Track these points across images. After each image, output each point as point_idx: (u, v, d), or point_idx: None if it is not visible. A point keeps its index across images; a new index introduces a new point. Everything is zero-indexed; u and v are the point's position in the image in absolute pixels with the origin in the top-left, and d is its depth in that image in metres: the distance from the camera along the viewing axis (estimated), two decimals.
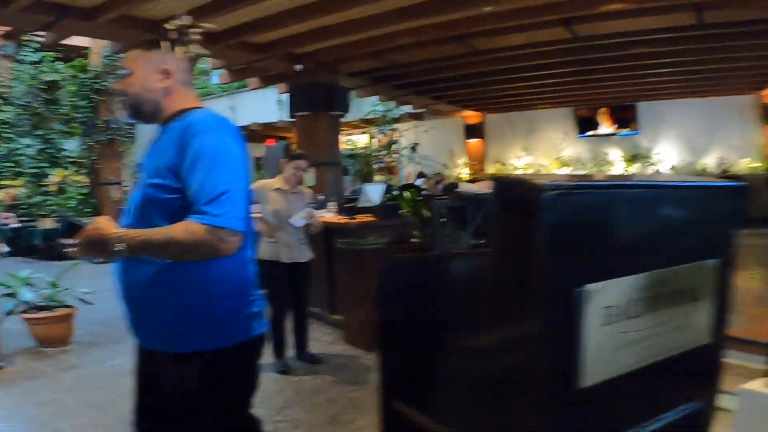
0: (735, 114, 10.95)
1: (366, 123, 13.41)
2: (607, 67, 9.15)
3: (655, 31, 7.23)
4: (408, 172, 13.60)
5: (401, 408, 1.46)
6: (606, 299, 1.08)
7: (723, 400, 2.87)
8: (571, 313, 1.04)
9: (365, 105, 12.54)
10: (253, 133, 14.50)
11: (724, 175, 10.36)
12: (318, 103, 7.86)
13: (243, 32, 6.59)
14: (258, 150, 16.60)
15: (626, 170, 11.82)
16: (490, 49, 8.04)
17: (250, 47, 7.09)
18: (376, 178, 13.66)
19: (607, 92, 11.33)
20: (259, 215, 3.91)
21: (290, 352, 4.28)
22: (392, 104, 12.13)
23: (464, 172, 13.57)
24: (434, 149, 13.68)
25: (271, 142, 14.65)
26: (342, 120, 12.89)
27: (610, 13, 6.49)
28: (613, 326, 1.10)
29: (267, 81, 8.64)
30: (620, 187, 1.17)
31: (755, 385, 2.21)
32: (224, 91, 13.80)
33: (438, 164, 13.62)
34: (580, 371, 1.07)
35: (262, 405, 3.47)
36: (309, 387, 3.78)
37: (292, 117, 8.19)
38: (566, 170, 12.47)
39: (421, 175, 12.48)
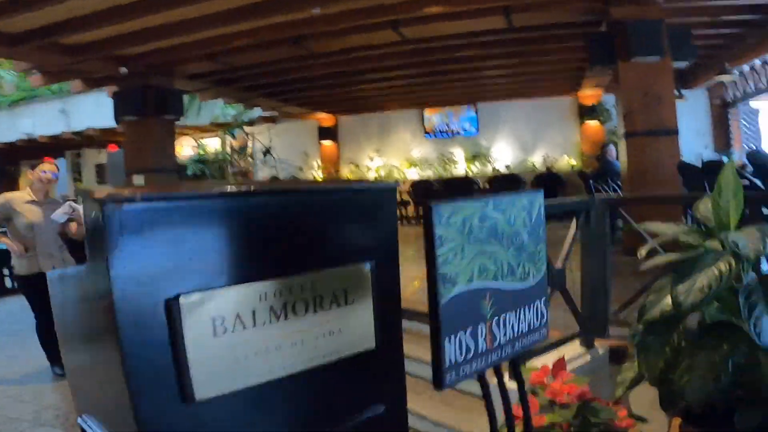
0: (557, 114, 12.08)
1: (217, 126, 13.00)
2: (446, 69, 9.68)
3: (476, 34, 7.75)
4: (263, 176, 13.40)
5: (88, 421, 1.42)
6: (212, 310, 1.06)
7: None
8: (167, 326, 1.03)
9: (216, 108, 12.17)
10: (91, 139, 13.43)
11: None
12: (148, 107, 7.47)
13: (53, 33, 6.11)
14: (97, 156, 15.45)
15: (468, 169, 12.55)
16: (327, 52, 8.17)
17: (64, 49, 6.57)
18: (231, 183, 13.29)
19: (449, 93, 11.99)
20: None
21: None
22: (248, 108, 11.89)
23: (319, 175, 13.64)
24: (289, 152, 13.60)
25: (113, 148, 13.67)
26: (191, 124, 12.51)
27: (431, 16, 6.86)
28: (229, 336, 1.08)
29: (92, 84, 8.06)
30: (214, 197, 1.16)
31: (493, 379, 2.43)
32: (53, 93, 12.62)
33: (293, 167, 13.56)
34: (192, 384, 1.04)
35: (43, 420, 3.25)
36: None
37: (117, 122, 7.73)
38: (415, 170, 12.98)
39: (274, 179, 12.35)
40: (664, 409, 1.93)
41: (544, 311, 1.32)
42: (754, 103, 10.04)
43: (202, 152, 13.55)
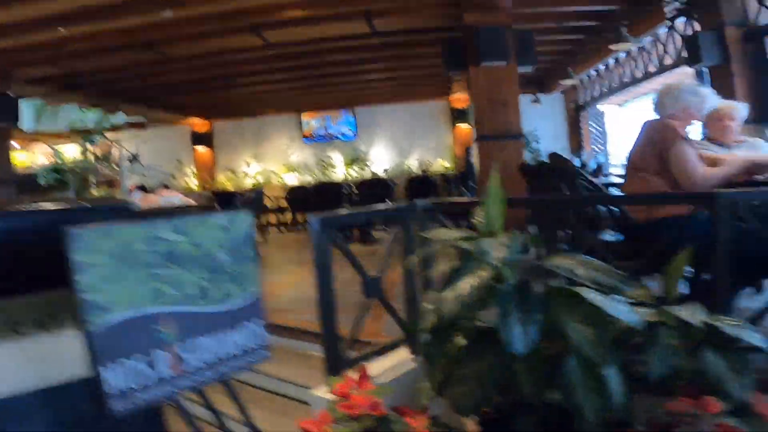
0: (431, 118, 12.42)
1: (76, 133, 11.99)
2: (319, 73, 9.61)
3: (342, 38, 7.72)
4: (131, 184, 12.56)
5: None
6: None
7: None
8: None
9: (74, 113, 11.23)
10: None
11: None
12: None
13: None
14: None
15: (347, 173, 12.56)
16: (187, 56, 7.80)
17: None
18: (95, 192, 12.34)
19: (326, 97, 11.94)
20: None
21: None
22: (109, 113, 11.07)
23: (194, 183, 13.05)
24: (160, 159, 12.86)
25: None
26: (46, 130, 11.45)
27: (293, 21, 6.76)
28: None
29: None
30: None
31: (321, 391, 2.36)
32: None
33: (165, 174, 12.84)
34: None
35: None
36: None
37: None
38: (294, 175, 12.79)
39: (141, 188, 11.59)
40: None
41: (261, 331, 1.25)
42: (601, 106, 10.91)
43: (59, 161, 12.44)
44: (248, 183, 12.77)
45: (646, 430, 1.62)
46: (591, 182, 2.89)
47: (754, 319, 2.04)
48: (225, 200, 8.05)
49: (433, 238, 1.82)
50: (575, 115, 11.07)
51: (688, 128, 2.83)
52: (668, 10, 5.95)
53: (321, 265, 2.16)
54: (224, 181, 12.96)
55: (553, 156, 3.31)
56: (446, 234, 1.76)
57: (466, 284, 1.49)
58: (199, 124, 12.98)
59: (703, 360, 1.50)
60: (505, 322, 1.43)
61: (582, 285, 1.55)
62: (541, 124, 10.90)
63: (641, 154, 2.71)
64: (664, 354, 1.53)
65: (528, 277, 1.55)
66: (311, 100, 12.05)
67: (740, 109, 3.06)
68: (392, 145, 12.62)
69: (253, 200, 7.40)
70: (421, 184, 9.50)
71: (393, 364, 2.71)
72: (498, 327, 1.47)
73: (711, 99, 2.81)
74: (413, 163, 12.31)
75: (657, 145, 2.62)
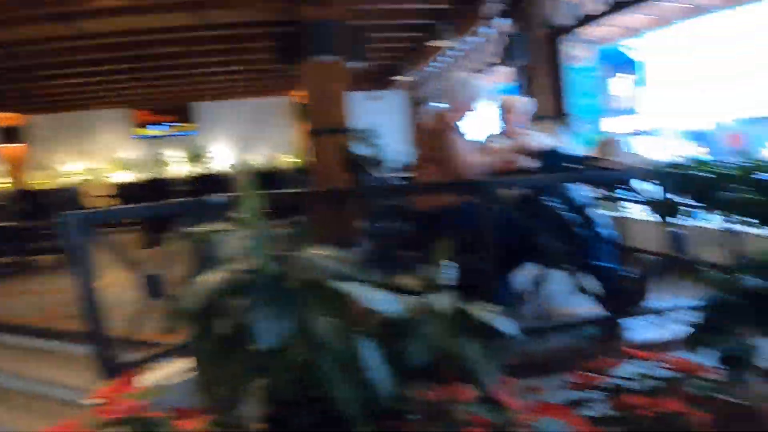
0: (277, 112, 12.19)
1: None
2: (151, 65, 8.93)
3: (170, 30, 7.20)
4: None
5: None
6: None
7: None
8: None
9: None
10: None
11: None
12: None
13: None
14: None
15: (190, 169, 11.89)
16: None
17: None
18: None
19: (161, 91, 11.14)
20: None
21: None
22: None
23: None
24: None
25: None
26: None
27: (110, 10, 6.19)
28: None
29: None
30: None
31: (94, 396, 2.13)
32: None
33: None
34: None
35: None
36: None
37: None
38: (125, 173, 11.83)
39: None
40: None
41: None
42: (436, 103, 11.38)
43: None
44: (71, 181, 11.56)
45: (418, 419, 1.59)
46: (371, 175, 2.92)
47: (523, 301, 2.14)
48: (34, 200, 7.17)
49: (194, 232, 1.67)
50: (415, 111, 11.43)
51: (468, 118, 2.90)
52: (488, 11, 6.30)
53: (80, 264, 1.92)
54: (41, 180, 11.60)
55: (347, 151, 3.32)
56: (205, 227, 1.62)
57: (214, 277, 1.37)
58: (7, 117, 11.49)
59: (459, 347, 1.51)
60: (253, 315, 1.32)
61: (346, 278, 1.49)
62: (384, 119, 11.08)
63: (425, 146, 2.77)
64: (423, 341, 1.52)
65: (285, 270, 1.46)
66: (144, 93, 11.19)
67: (521, 103, 3.25)
68: (236, 141, 12.20)
69: (67, 199, 6.66)
70: (264, 178, 9.22)
71: (186, 365, 2.55)
72: (249, 322, 1.36)
73: (482, 91, 2.93)
74: (260, 158, 11.98)
75: (432, 135, 2.69)
